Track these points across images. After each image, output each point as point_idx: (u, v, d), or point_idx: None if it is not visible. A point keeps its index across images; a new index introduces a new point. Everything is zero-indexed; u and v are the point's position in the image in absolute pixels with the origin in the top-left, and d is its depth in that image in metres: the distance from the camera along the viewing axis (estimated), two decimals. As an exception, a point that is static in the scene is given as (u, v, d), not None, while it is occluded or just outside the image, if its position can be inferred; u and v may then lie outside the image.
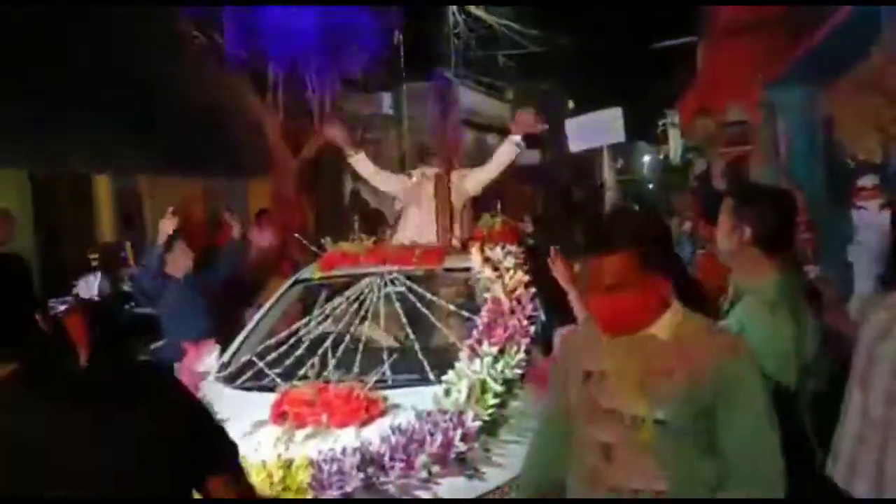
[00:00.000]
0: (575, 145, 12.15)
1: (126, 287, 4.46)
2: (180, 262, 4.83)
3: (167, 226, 4.80)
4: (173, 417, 1.34)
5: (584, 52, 20.09)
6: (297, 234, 4.83)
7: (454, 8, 17.72)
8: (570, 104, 24.17)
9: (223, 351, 3.71)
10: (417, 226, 4.28)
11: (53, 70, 6.90)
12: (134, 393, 1.34)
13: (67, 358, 2.54)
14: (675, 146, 19.61)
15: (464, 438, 2.59)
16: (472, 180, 4.40)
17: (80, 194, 8.56)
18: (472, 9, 18.01)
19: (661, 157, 29.23)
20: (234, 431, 2.88)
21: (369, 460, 2.53)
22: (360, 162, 4.63)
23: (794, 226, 2.27)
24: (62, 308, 3.61)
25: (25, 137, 6.94)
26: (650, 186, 26.85)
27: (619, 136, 12.15)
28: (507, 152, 4.32)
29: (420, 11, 12.75)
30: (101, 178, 8.74)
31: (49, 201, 7.94)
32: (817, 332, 2.10)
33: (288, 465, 2.56)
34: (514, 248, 3.92)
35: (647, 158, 38.10)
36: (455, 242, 4.25)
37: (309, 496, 2.52)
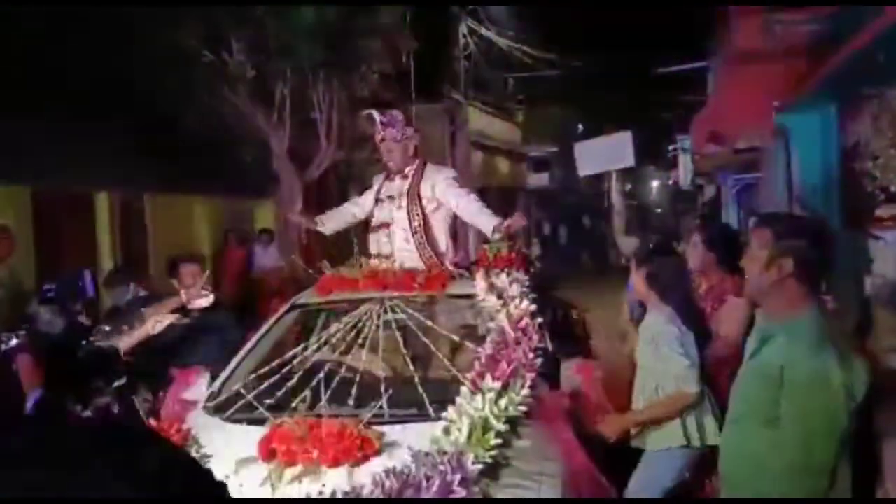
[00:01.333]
0: (584, 169, 12.05)
1: (84, 319, 4.11)
2: (192, 291, 3.99)
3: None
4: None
5: (594, 76, 20.04)
6: (295, 256, 4.53)
7: (464, 30, 17.71)
8: (580, 128, 24.08)
9: (214, 378, 3.53)
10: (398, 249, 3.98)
11: (56, 88, 6.83)
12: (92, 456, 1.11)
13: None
14: (684, 171, 19.43)
15: (463, 483, 2.39)
16: (452, 197, 4.03)
17: (82, 212, 8.44)
18: (483, 31, 18.00)
19: (671, 182, 29.05)
20: (220, 467, 2.74)
21: (360, 507, 2.35)
22: (329, 220, 4.33)
23: (834, 258, 2.10)
24: (14, 342, 3.35)
25: (28, 154, 6.85)
26: (658, 211, 26.64)
27: (628, 160, 12.03)
28: (483, 225, 3.96)
29: (430, 34, 12.68)
30: (103, 195, 8.64)
31: (50, 218, 7.82)
32: (865, 369, 1.92)
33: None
34: (520, 275, 3.74)
35: (655, 183, 37.93)
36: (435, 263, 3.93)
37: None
